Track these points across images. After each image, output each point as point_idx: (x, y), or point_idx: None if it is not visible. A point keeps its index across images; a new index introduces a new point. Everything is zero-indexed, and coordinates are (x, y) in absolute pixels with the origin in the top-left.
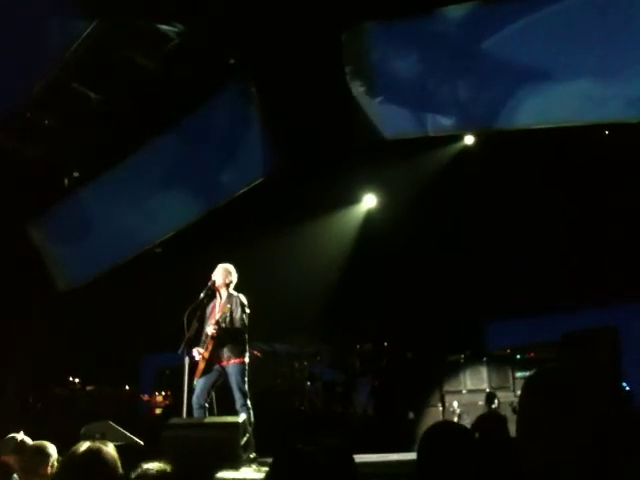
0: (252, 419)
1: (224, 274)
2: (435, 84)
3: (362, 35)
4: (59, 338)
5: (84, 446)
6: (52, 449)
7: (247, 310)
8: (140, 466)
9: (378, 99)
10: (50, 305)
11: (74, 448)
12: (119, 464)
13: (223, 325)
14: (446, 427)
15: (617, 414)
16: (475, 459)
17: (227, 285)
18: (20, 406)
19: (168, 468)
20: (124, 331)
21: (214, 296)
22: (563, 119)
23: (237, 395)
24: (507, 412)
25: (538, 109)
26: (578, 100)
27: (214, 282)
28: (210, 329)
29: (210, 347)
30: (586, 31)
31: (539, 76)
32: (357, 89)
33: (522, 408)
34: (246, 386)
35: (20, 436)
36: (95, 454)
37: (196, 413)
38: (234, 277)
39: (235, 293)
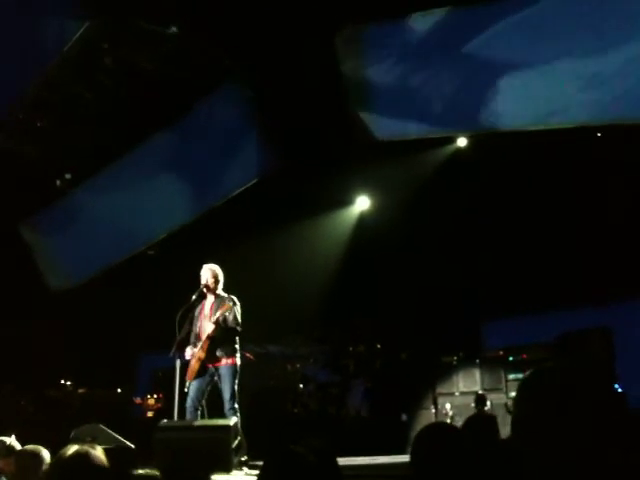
0: (239, 422)
1: (213, 275)
2: (420, 87)
3: (355, 39)
4: (52, 340)
5: (72, 449)
6: (46, 454)
7: (239, 310)
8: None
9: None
10: (43, 307)
11: (62, 451)
12: (107, 468)
13: (222, 325)
14: (440, 428)
15: (611, 415)
16: (469, 460)
17: (217, 286)
18: (12, 408)
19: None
20: (117, 333)
21: (203, 297)
22: (556, 121)
23: (227, 396)
24: (499, 414)
25: (525, 106)
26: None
27: (207, 285)
28: (208, 328)
29: (206, 346)
30: (565, 25)
31: (522, 72)
32: (352, 91)
33: (517, 408)
34: (236, 388)
35: (8, 440)
36: (83, 458)
37: (190, 415)
38: (221, 276)
39: (225, 294)
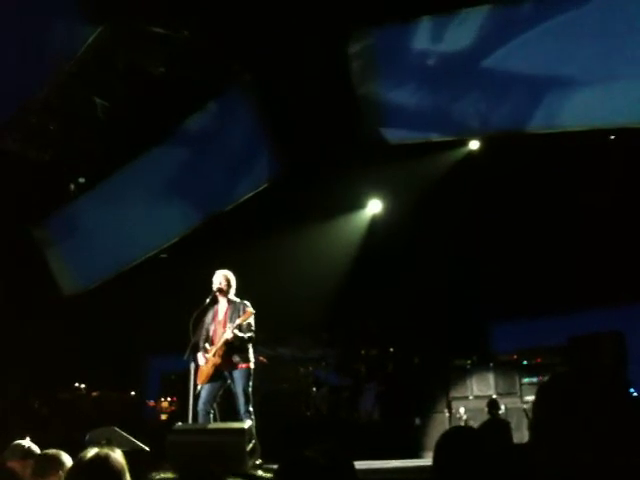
0: (254, 425)
1: (226, 280)
2: (449, 95)
3: (367, 46)
4: (64, 343)
5: (92, 452)
6: (67, 458)
7: (253, 317)
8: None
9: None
10: (55, 310)
11: (82, 454)
12: (127, 471)
13: (242, 331)
14: (464, 432)
15: (626, 419)
16: (492, 464)
17: (229, 291)
18: (25, 411)
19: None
20: (129, 336)
21: (215, 301)
22: (587, 123)
23: (241, 400)
24: (513, 418)
25: (561, 113)
26: (602, 102)
27: (220, 289)
28: (228, 333)
29: (222, 352)
30: (602, 33)
31: (559, 81)
32: (367, 103)
33: (536, 413)
34: (250, 390)
35: (27, 443)
36: (103, 460)
37: (202, 419)
38: (234, 282)
39: (238, 299)
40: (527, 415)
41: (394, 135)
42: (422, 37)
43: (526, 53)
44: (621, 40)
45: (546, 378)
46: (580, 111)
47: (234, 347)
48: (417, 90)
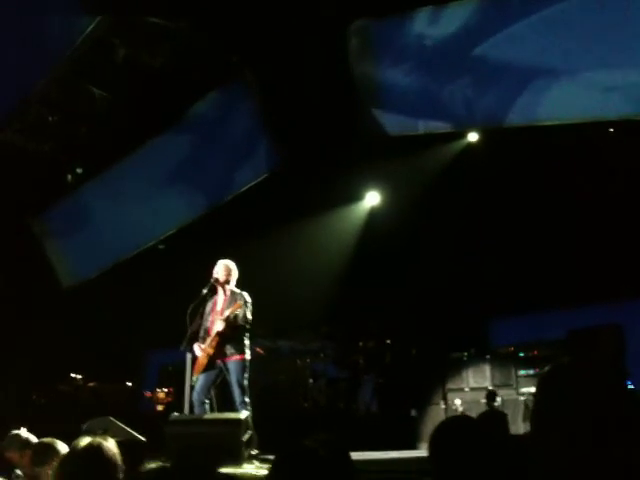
0: (250, 416)
1: (226, 270)
2: (439, 83)
3: (366, 35)
4: (62, 334)
5: (85, 441)
6: (62, 446)
7: (250, 308)
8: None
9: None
10: (53, 301)
11: (75, 443)
12: (120, 460)
13: (233, 323)
14: (460, 421)
15: (620, 411)
16: (489, 454)
17: (229, 281)
18: (23, 402)
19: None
20: (127, 327)
21: (215, 292)
22: (572, 115)
23: (237, 392)
24: (510, 410)
25: (546, 106)
26: (587, 95)
27: (217, 279)
28: (219, 325)
29: (215, 343)
30: (588, 26)
31: (545, 73)
32: (363, 85)
33: (537, 404)
34: (246, 382)
35: (25, 433)
36: (96, 449)
37: (197, 410)
38: (235, 273)
39: (238, 290)
40: (527, 407)
41: (393, 126)
42: (417, 25)
43: (524, 44)
44: (613, 32)
45: (546, 368)
46: (573, 104)
47: (227, 338)
48: (414, 77)
